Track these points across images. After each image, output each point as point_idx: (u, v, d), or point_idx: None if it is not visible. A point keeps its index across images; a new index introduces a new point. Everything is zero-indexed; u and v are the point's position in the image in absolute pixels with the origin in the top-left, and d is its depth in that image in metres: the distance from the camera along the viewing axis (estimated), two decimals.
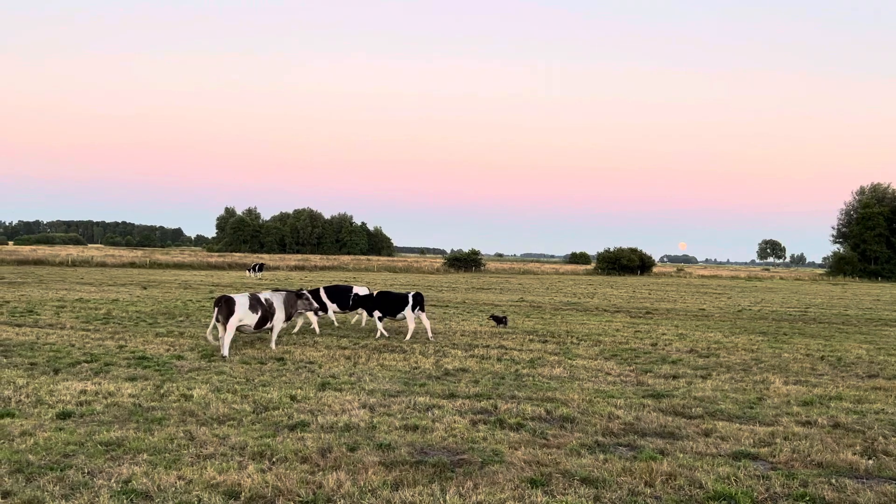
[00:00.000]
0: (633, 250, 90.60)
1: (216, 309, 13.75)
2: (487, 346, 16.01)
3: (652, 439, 8.35)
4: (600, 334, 19.31)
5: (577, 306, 30.55)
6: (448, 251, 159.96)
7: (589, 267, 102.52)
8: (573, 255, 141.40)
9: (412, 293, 17.30)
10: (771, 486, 6.68)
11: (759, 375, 13.09)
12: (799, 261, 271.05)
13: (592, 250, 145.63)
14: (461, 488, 6.37)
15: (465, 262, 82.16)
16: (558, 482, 6.63)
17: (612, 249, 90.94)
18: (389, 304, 17.14)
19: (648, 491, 6.50)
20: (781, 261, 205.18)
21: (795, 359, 15.45)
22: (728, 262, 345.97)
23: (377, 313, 17.22)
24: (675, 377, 12.69)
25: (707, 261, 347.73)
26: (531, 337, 18.22)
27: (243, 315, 13.79)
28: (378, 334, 17.19)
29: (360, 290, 18.81)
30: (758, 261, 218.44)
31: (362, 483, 6.42)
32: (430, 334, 17.46)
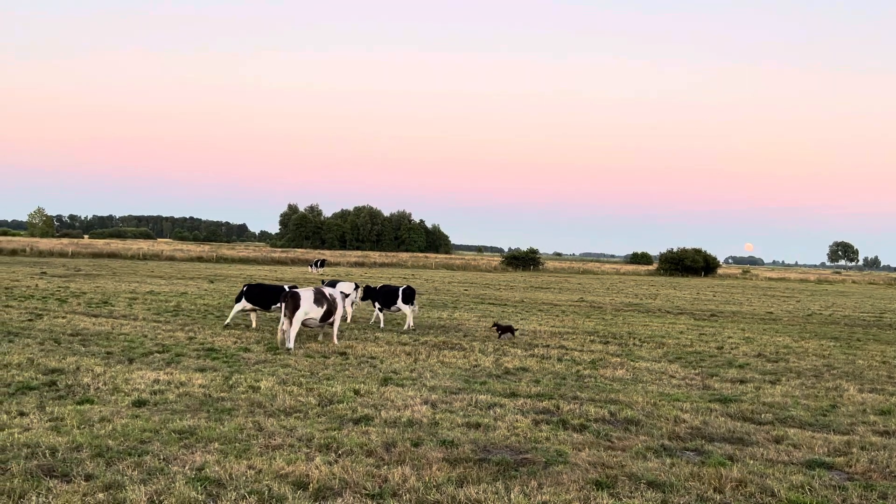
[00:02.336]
0: (698, 251, 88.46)
1: (283, 304, 14.05)
2: (547, 346, 15.91)
3: (720, 444, 8.15)
4: (663, 336, 18.95)
5: (639, 307, 30.05)
6: (505, 249, 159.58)
7: (651, 267, 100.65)
8: (634, 255, 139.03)
9: (402, 287, 18.62)
10: (848, 497, 6.44)
11: (831, 382, 12.62)
12: (873, 264, 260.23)
13: (654, 250, 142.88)
14: (525, 487, 6.35)
15: (523, 260, 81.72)
16: (624, 485, 6.55)
17: (675, 250, 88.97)
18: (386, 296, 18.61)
19: (718, 497, 6.35)
20: (854, 263, 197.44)
21: (871, 366, 14.84)
22: (796, 264, 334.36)
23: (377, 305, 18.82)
24: (742, 382, 12.36)
25: (774, 263, 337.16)
26: (592, 337, 18.01)
27: (309, 309, 14.06)
28: (374, 319, 19.27)
29: (346, 287, 19.14)
30: (828, 263, 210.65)
31: (427, 478, 6.47)
32: (408, 325, 18.42)
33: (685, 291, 46.34)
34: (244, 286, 17.31)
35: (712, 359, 15.03)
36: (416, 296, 19.32)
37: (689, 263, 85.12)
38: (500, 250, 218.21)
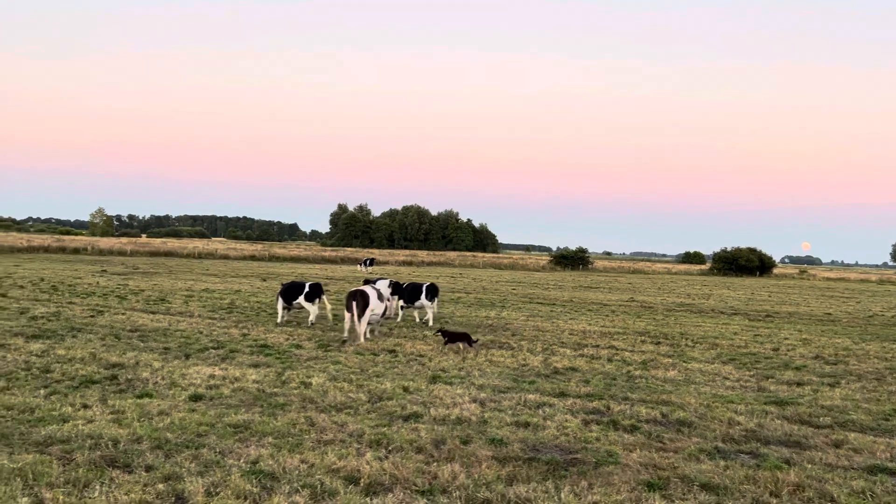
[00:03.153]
0: (752, 250, 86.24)
1: (353, 302, 14.58)
2: (597, 346, 15.76)
3: (776, 448, 7.96)
4: (717, 337, 18.57)
5: (691, 307, 29.49)
6: (554, 249, 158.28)
7: (703, 267, 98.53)
8: (686, 254, 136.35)
9: (426, 284, 19.04)
10: None
11: (894, 386, 12.19)
12: None
13: (707, 250, 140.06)
14: (575, 487, 6.32)
15: (572, 260, 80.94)
16: (677, 487, 6.45)
17: (728, 249, 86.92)
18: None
19: (774, 501, 6.21)
20: None
21: None
22: (857, 264, 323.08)
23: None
24: (799, 384, 12.03)
25: (833, 262, 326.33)
26: (643, 338, 17.76)
27: (375, 306, 14.82)
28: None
29: (382, 285, 19.16)
30: (891, 263, 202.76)
31: (476, 476, 6.50)
32: (428, 320, 18.86)
33: (739, 292, 45.27)
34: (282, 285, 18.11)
35: (768, 360, 14.67)
36: (439, 293, 19.88)
37: (744, 263, 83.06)
38: (548, 249, 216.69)
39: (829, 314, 28.90)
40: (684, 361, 14.06)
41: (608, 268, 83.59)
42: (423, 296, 18.70)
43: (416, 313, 19.86)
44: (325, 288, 19.85)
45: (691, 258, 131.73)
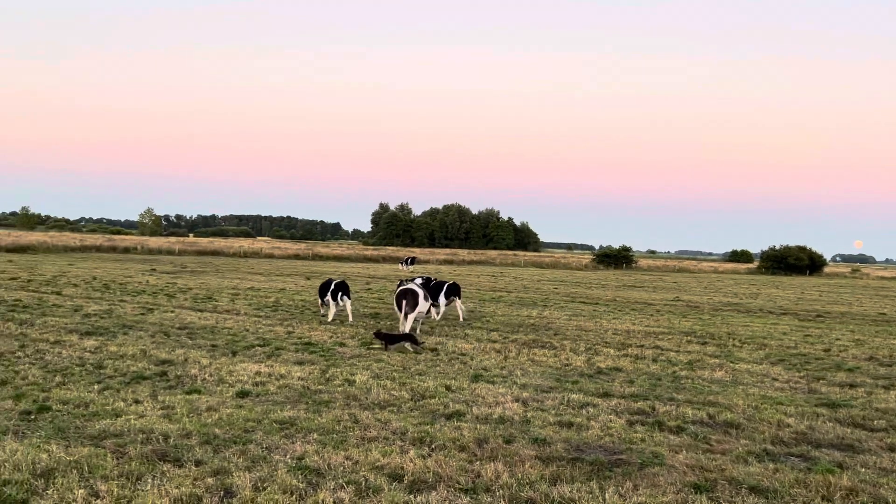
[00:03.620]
0: (802, 248, 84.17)
1: (403, 301, 14.91)
2: (642, 346, 15.56)
3: (828, 451, 7.76)
4: (765, 337, 18.17)
5: (739, 307, 28.91)
6: (596, 247, 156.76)
7: (751, 265, 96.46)
8: (734, 252, 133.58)
9: (448, 283, 19.55)
10: None
11: None
12: None
13: (755, 248, 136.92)
14: (620, 488, 6.25)
15: (615, 258, 79.98)
16: (724, 489, 6.34)
17: (777, 247, 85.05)
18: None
19: None
20: None
21: None
22: None
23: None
24: (852, 386, 11.70)
25: (887, 261, 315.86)
26: (689, 338, 17.48)
27: (423, 304, 15.36)
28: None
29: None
30: None
31: (520, 475, 6.48)
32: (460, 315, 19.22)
33: (788, 291, 44.20)
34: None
35: (818, 361, 14.30)
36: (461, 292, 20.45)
37: (793, 261, 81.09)
38: (590, 248, 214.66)
39: (884, 314, 28.02)
40: (731, 362, 13.79)
41: (652, 266, 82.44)
42: (441, 294, 19.24)
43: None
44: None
45: (738, 256, 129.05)
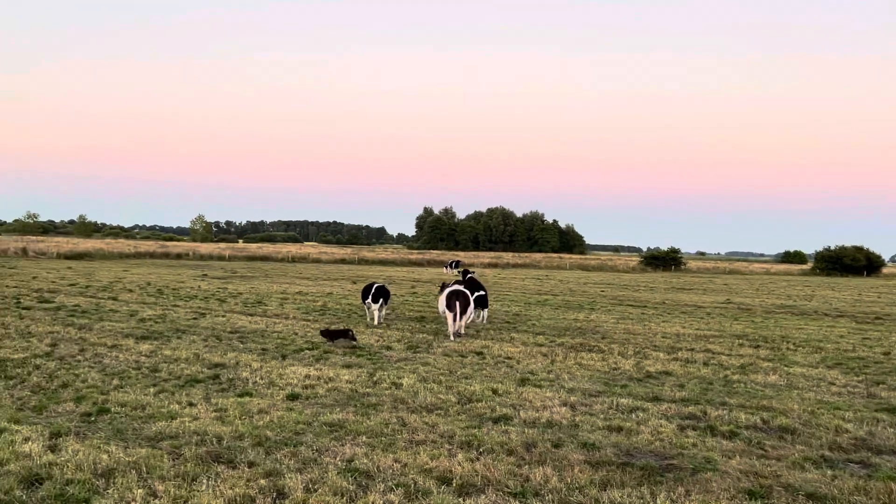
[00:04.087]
0: (859, 248, 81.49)
1: (457, 303, 15.63)
2: (692, 350, 15.29)
3: (889, 457, 7.51)
4: (821, 340, 17.66)
5: (793, 309, 28.16)
6: (644, 249, 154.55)
7: (805, 267, 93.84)
8: (787, 253, 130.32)
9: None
10: None
11: None
12: None
13: (809, 248, 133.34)
14: (672, 494, 6.16)
15: (664, 260, 78.75)
16: (780, 496, 6.19)
17: (832, 248, 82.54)
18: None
19: None
20: None
21: None
22: None
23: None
24: None
25: None
26: (740, 341, 17.11)
27: (472, 307, 16.19)
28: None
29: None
30: None
31: (569, 480, 6.44)
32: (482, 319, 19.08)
33: (845, 292, 42.87)
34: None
35: (878, 365, 13.83)
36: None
37: (850, 262, 78.55)
38: (637, 250, 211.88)
39: None
40: (786, 366, 13.45)
41: (702, 268, 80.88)
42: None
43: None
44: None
45: (791, 257, 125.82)
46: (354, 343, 14.31)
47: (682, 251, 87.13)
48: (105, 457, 6.71)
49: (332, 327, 16.07)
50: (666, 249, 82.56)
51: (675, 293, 37.03)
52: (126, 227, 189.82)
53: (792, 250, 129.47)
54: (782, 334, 18.83)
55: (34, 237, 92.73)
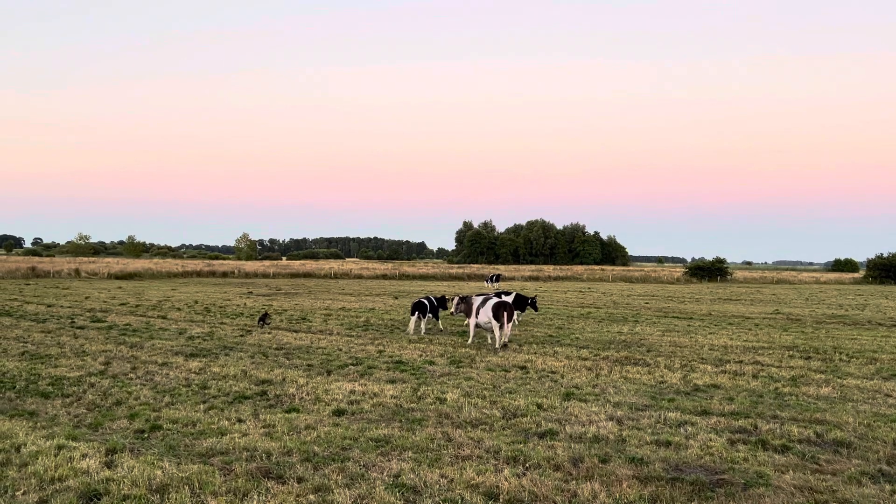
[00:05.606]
0: None
1: (504, 313, 16.53)
2: (740, 362, 14.98)
3: None
4: (875, 351, 17.13)
5: (845, 319, 27.37)
6: (688, 260, 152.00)
7: (857, 275, 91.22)
8: (837, 261, 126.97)
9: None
10: None
11: None
12: None
13: (861, 256, 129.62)
14: None
15: (709, 271, 77.43)
16: None
17: (886, 255, 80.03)
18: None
19: None
20: None
21: None
22: None
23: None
24: None
25: None
26: (791, 352, 16.70)
27: (513, 316, 17.10)
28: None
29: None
30: None
31: (617, 495, 6.37)
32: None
33: None
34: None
35: None
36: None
37: None
38: (681, 261, 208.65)
39: None
40: (839, 377, 13.09)
41: (749, 278, 79.20)
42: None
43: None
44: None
45: (842, 266, 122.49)
46: (267, 326, 17.14)
47: (728, 261, 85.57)
48: (159, 473, 6.87)
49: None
50: (711, 259, 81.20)
51: (722, 304, 36.33)
52: (173, 246, 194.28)
53: (842, 258, 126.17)
54: (834, 345, 18.33)
55: (86, 258, 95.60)
